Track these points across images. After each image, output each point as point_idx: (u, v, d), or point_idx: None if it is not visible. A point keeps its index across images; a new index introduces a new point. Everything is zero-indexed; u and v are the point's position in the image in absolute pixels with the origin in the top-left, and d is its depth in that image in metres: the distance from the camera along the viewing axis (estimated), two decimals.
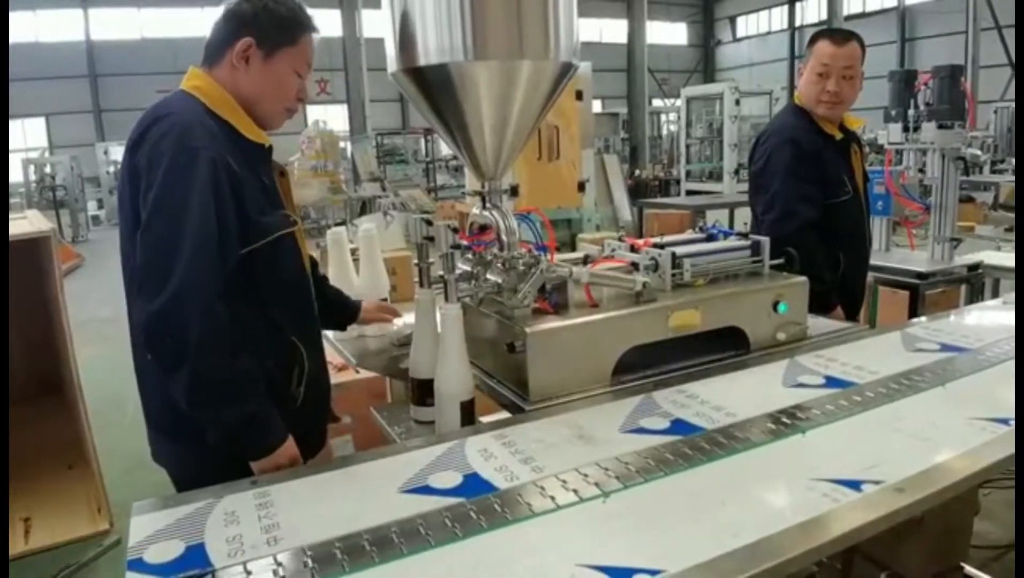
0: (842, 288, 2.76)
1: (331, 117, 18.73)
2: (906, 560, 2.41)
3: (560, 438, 1.59)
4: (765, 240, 2.21)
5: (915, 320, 2.52)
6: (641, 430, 1.61)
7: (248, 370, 1.58)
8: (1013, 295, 3.30)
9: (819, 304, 2.49)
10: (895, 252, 3.84)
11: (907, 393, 1.77)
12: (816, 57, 2.73)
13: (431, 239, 1.90)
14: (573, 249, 8.42)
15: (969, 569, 2.75)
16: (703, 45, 34.24)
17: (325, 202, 13.51)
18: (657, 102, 25.99)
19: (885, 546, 2.25)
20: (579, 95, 8.47)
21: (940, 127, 3.25)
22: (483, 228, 1.94)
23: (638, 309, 1.90)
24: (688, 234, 2.39)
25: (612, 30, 27.17)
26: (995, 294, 4.54)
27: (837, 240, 2.74)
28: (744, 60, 31.89)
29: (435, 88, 1.83)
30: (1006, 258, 4.46)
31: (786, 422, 1.63)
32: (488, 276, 1.88)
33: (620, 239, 2.22)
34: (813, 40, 2.80)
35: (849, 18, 24.77)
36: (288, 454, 1.64)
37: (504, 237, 1.86)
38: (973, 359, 2.02)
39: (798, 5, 29.78)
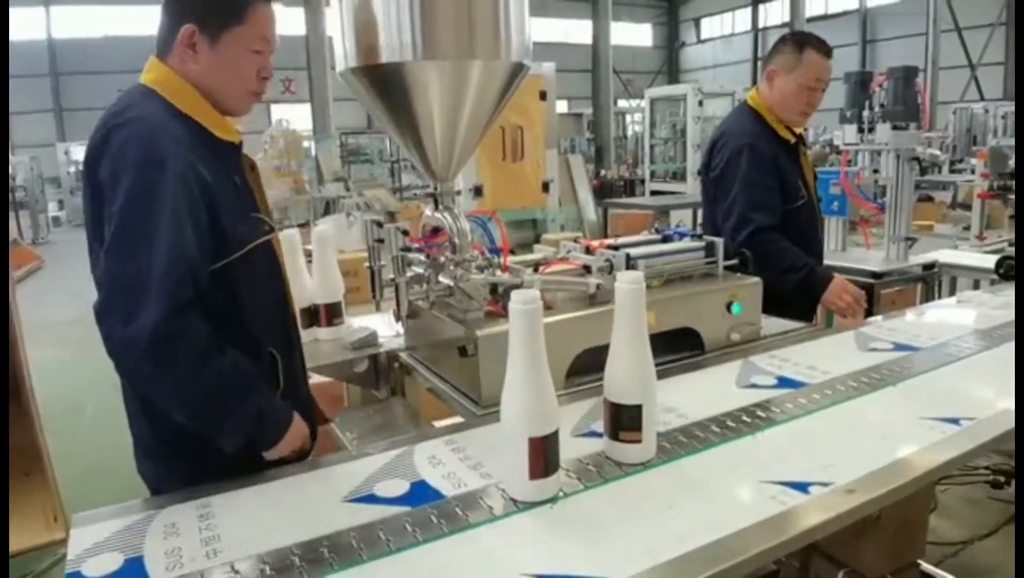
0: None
1: (295, 116, 18.53)
2: (863, 557, 2.42)
3: None
4: (719, 241, 2.21)
5: (869, 319, 2.54)
6: (593, 434, 1.59)
7: (233, 371, 1.47)
8: (968, 293, 3.35)
9: (786, 306, 2.49)
10: (852, 251, 3.88)
11: (859, 393, 1.78)
12: (810, 69, 2.65)
13: (382, 241, 1.87)
14: None
15: (925, 566, 2.78)
16: (668, 46, 34.55)
17: (288, 202, 13.37)
18: (623, 103, 26.14)
19: (843, 544, 2.26)
20: (543, 95, 8.49)
21: (894, 128, 3.28)
22: (436, 230, 1.91)
23: (592, 311, 1.88)
24: (644, 235, 2.38)
25: (577, 31, 27.28)
26: (952, 292, 4.62)
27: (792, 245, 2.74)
28: (708, 61, 32.25)
29: (385, 88, 1.80)
30: (962, 256, 4.54)
31: (738, 423, 1.62)
32: (440, 279, 1.85)
33: (576, 240, 2.20)
34: (798, 47, 2.68)
35: (811, 20, 25.14)
36: (300, 434, 1.60)
37: (456, 239, 1.83)
38: (925, 358, 2.04)
39: (761, 7, 30.17)
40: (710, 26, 33.24)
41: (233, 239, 1.53)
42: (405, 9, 1.69)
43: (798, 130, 2.88)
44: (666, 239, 2.32)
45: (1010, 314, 2.51)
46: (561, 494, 1.35)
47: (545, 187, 8.71)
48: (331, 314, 2.46)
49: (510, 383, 1.30)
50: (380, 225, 1.91)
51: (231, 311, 1.56)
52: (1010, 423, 1.59)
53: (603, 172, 16.87)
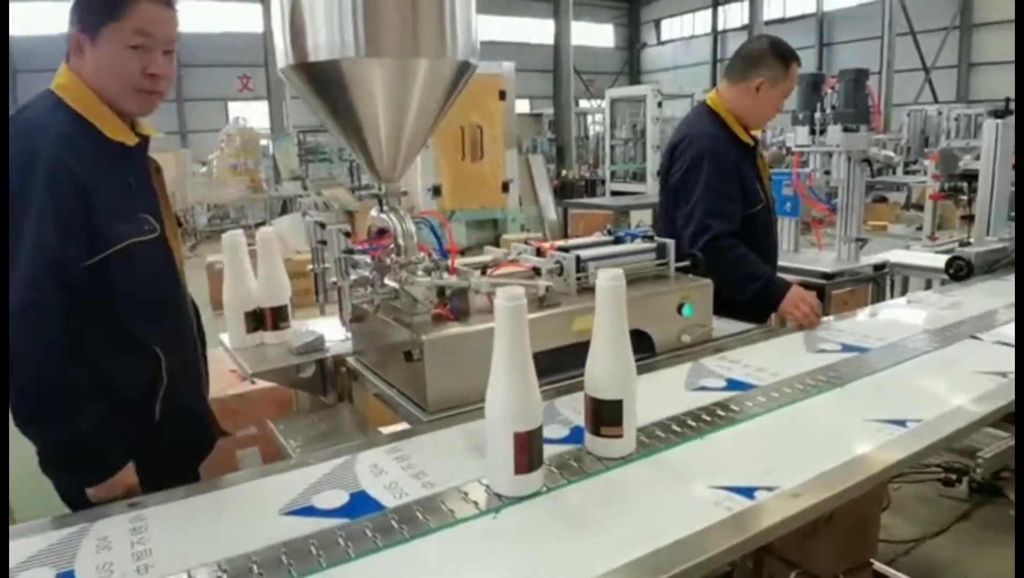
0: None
1: (252, 114, 18.25)
2: (816, 557, 2.43)
3: (455, 451, 1.54)
4: (670, 242, 2.20)
5: (821, 319, 2.55)
6: None
7: (80, 386, 1.51)
8: (918, 293, 3.40)
9: (740, 308, 2.50)
10: (804, 252, 3.91)
11: (806, 395, 1.78)
12: (791, 84, 2.73)
13: (325, 243, 1.82)
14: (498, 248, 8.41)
15: (878, 565, 2.80)
16: (629, 47, 34.78)
17: (244, 201, 13.18)
18: (584, 103, 26.24)
19: (795, 544, 2.26)
20: (502, 95, 8.46)
21: (845, 130, 3.30)
22: (381, 232, 1.87)
23: (541, 314, 1.85)
24: (596, 236, 2.37)
25: (539, 31, 27.34)
26: (904, 292, 4.70)
27: (750, 249, 2.73)
28: (669, 63, 32.50)
29: (327, 86, 1.75)
30: (914, 256, 4.62)
31: (685, 427, 1.60)
32: (386, 281, 1.80)
33: (527, 242, 2.17)
34: (786, 62, 2.70)
35: (770, 23, 25.52)
36: (123, 483, 1.55)
37: (401, 241, 1.79)
38: (872, 359, 2.04)
39: (721, 10, 30.51)
40: (670, 28, 33.53)
41: (108, 236, 1.56)
42: (347, 4, 1.65)
43: (755, 133, 2.88)
44: (618, 240, 2.31)
45: (958, 314, 2.55)
46: (544, 489, 1.36)
47: (505, 187, 8.67)
48: (277, 317, 2.39)
49: (495, 379, 1.31)
50: (323, 227, 1.86)
51: (107, 306, 1.59)
52: (955, 425, 1.60)
53: (564, 172, 16.87)
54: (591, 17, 31.54)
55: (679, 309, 2.09)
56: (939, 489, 3.52)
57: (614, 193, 12.87)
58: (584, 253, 2.05)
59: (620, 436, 1.46)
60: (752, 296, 2.57)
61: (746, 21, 24.40)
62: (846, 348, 2.14)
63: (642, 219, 9.17)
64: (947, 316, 2.51)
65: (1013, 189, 3.87)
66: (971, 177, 4.39)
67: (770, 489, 1.32)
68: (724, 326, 2.37)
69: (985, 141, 4.12)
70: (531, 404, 1.32)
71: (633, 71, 34.30)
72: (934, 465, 3.55)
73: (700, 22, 31.90)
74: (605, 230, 2.38)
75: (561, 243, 2.12)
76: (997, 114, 4.04)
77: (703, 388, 1.84)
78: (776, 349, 2.18)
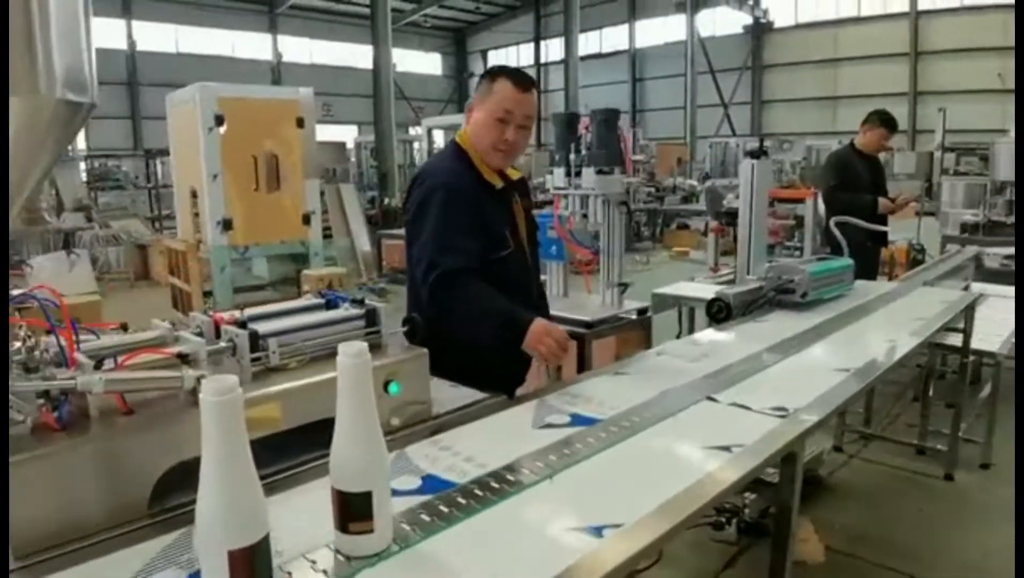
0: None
1: None
2: None
3: None
4: (381, 307, 1.92)
5: (559, 384, 2.37)
6: None
7: None
8: (668, 344, 3.32)
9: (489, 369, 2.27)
10: (574, 297, 3.76)
11: (508, 494, 1.53)
12: (498, 101, 2.43)
13: None
14: (298, 287, 7.89)
15: None
16: (456, 76, 35.14)
17: (20, 235, 11.75)
18: (413, 130, 26.05)
19: None
20: (300, 122, 8.00)
21: (599, 172, 3.17)
22: None
23: (190, 412, 1.50)
24: (306, 300, 2.06)
25: (364, 55, 26.95)
26: (691, 324, 4.72)
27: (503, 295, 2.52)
28: None
29: None
30: (693, 289, 4.67)
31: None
32: None
33: (206, 312, 1.81)
34: (492, 77, 2.49)
35: (585, 58, 26.61)
36: None
37: None
38: (598, 435, 1.84)
39: (543, 43, 31.50)
40: (496, 59, 34.25)
41: None
42: None
43: (515, 176, 2.67)
44: (330, 304, 2.01)
45: (707, 366, 2.45)
46: None
47: (306, 219, 8.18)
48: None
49: (204, 489, 1.09)
50: None
51: None
52: (654, 532, 1.40)
53: (387, 200, 16.44)
54: (418, 45, 31.63)
55: (385, 387, 1.80)
56: (710, 533, 3.47)
57: None
58: (265, 327, 1.72)
59: (371, 531, 1.28)
60: (493, 334, 2.34)
61: (563, 55, 25.19)
62: (575, 420, 1.94)
63: None
64: (692, 370, 2.40)
65: (772, 222, 3.97)
66: (735, 214, 4.50)
67: None
68: (460, 395, 2.13)
69: (742, 180, 4.19)
70: (248, 514, 1.10)
71: (462, 99, 34.59)
72: None
73: (524, 54, 32.81)
74: (317, 292, 2.08)
75: (238, 314, 1.77)
76: (753, 154, 4.10)
77: (395, 493, 1.54)
78: (499, 426, 1.93)
